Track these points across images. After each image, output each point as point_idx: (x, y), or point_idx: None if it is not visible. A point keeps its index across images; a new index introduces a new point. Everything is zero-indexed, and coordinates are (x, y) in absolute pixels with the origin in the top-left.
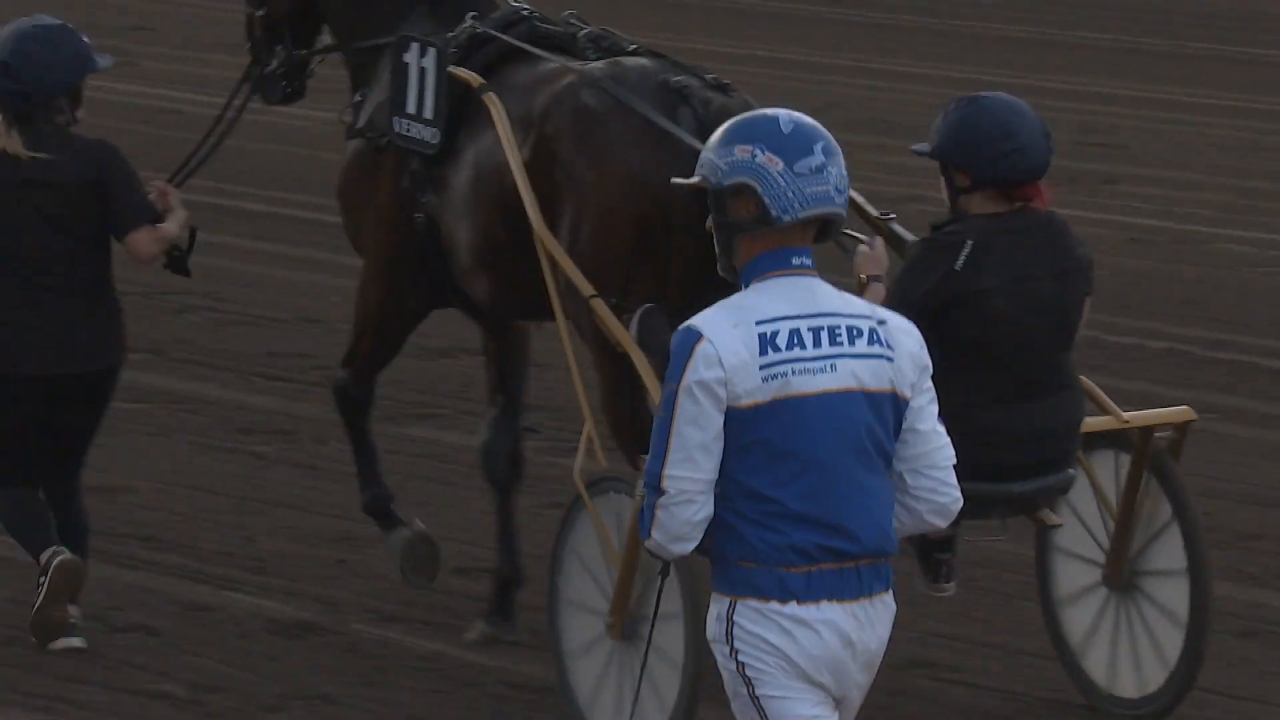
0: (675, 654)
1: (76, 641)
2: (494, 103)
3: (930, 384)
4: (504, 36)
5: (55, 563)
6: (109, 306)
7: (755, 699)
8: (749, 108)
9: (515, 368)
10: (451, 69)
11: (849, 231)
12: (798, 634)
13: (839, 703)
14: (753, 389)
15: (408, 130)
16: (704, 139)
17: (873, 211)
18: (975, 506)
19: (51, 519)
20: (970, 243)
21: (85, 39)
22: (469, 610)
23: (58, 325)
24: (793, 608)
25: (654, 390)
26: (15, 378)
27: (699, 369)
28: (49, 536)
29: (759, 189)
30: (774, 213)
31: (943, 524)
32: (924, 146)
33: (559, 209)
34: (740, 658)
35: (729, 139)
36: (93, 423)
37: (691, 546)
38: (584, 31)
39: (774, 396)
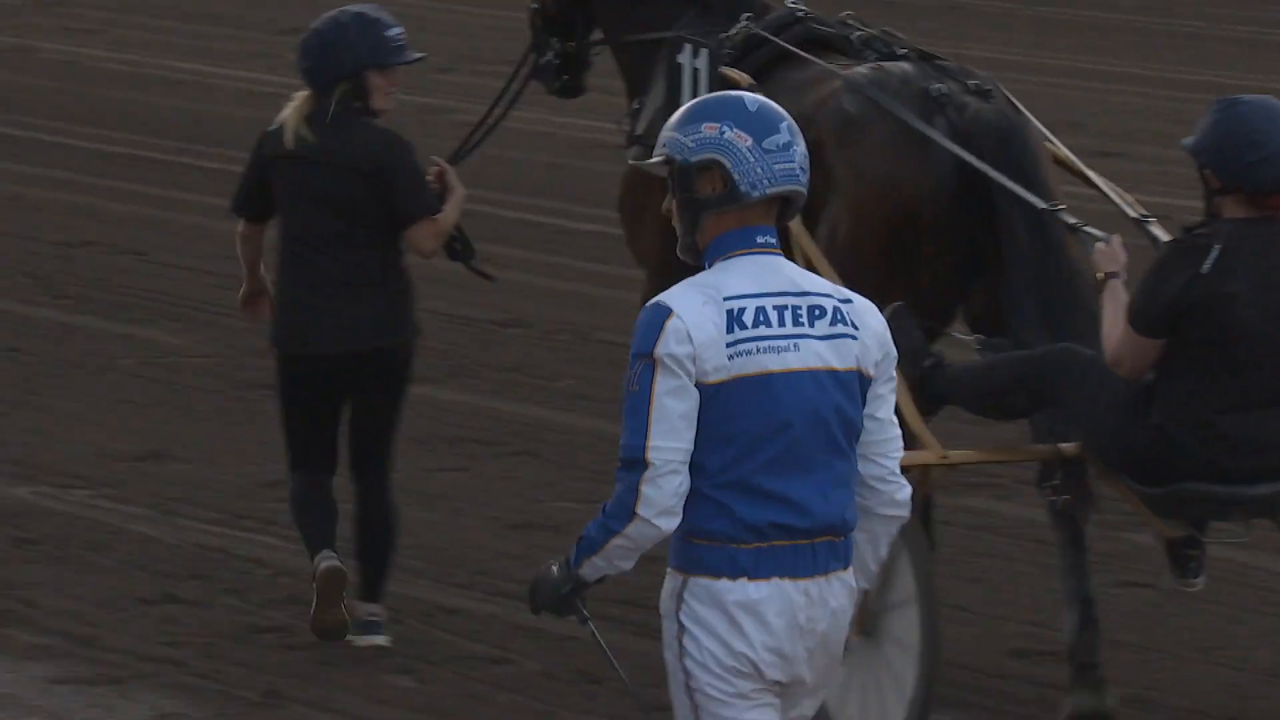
0: (910, 640)
1: (380, 639)
2: None
3: (894, 372)
4: (776, 39)
5: (319, 569)
6: (391, 289)
7: (690, 691)
8: (1004, 115)
9: None
10: (723, 70)
11: (1088, 229)
12: (745, 624)
13: (787, 686)
14: (719, 365)
15: None
16: (961, 145)
17: (1133, 213)
18: (1216, 509)
19: (333, 516)
20: (1218, 247)
21: (396, 31)
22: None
23: (334, 305)
24: (742, 584)
25: (900, 390)
26: (295, 357)
27: (669, 343)
28: (325, 536)
29: (728, 164)
30: (743, 188)
31: (897, 515)
32: (1189, 141)
33: (819, 212)
34: (685, 641)
35: (694, 117)
36: (387, 409)
37: (676, 522)
38: (857, 33)
39: (738, 374)
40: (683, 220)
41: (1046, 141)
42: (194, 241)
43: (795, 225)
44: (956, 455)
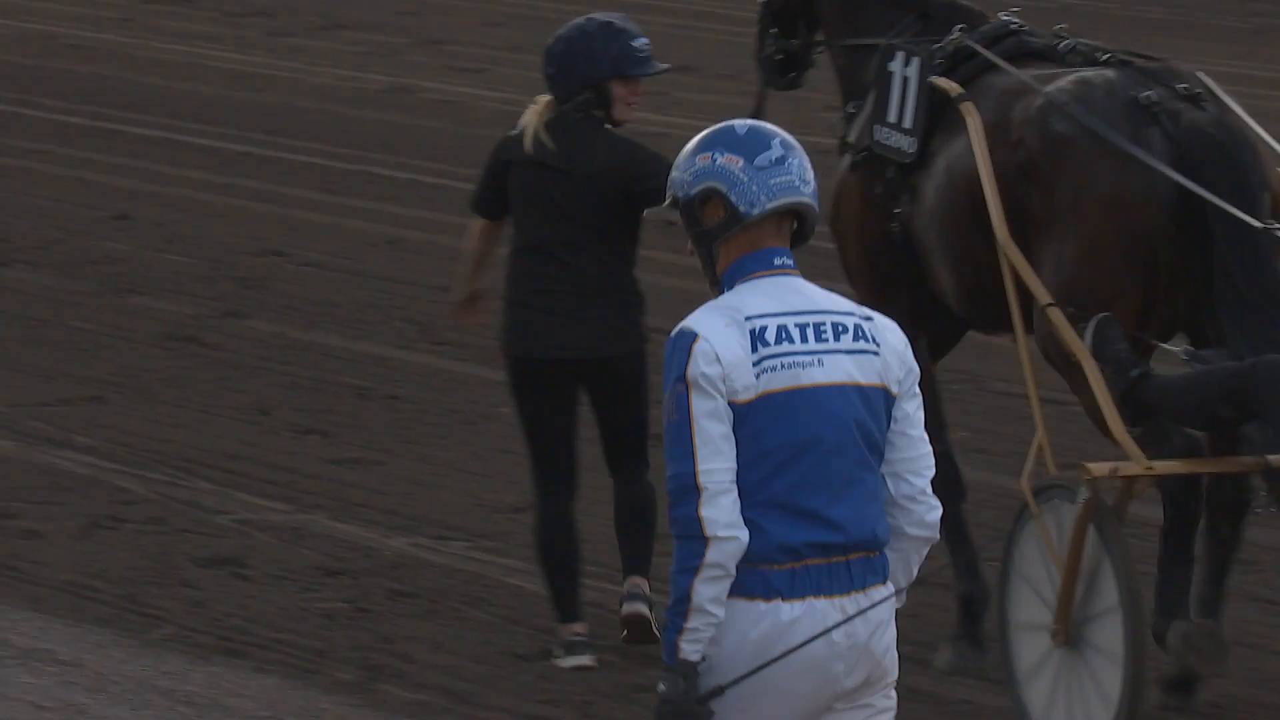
0: (1115, 649)
1: (586, 659)
2: (971, 113)
3: (919, 390)
4: (986, 52)
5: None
6: (621, 299)
7: (723, 687)
8: (1220, 123)
9: None
10: (933, 79)
11: None
12: (778, 658)
13: (821, 697)
14: (747, 384)
15: (887, 139)
16: (1176, 155)
17: None
18: None
19: (575, 560)
20: None
21: (641, 41)
22: None
23: (562, 312)
24: (777, 604)
25: (1104, 400)
26: (522, 360)
27: (700, 365)
28: (569, 599)
29: (724, 189)
30: (742, 209)
31: (926, 537)
32: None
33: (1041, 230)
34: (713, 650)
35: (690, 153)
36: (626, 415)
37: (747, 534)
38: (1065, 43)
39: (765, 391)
40: (700, 257)
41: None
42: None
43: (1000, 234)
44: (1161, 466)
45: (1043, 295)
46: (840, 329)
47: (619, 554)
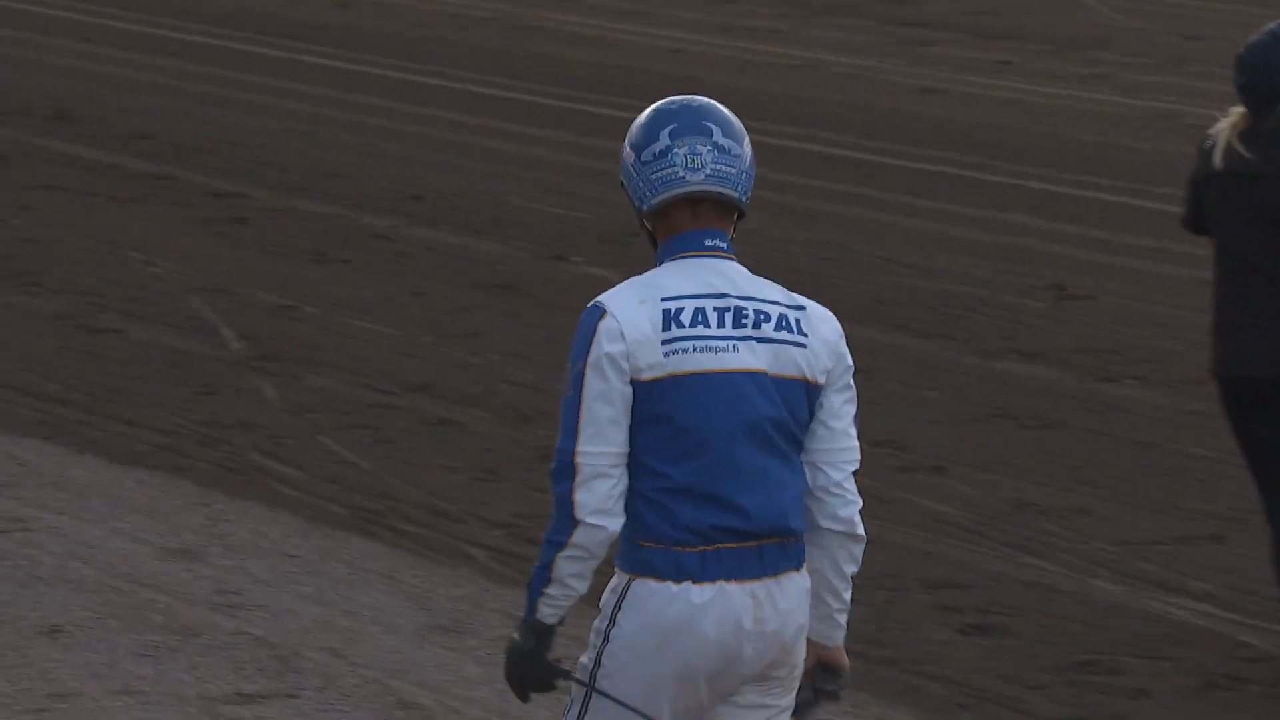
0: None
1: None
2: None
3: (851, 382)
4: None
5: None
6: None
7: (588, 686)
8: None
9: None
10: None
11: None
12: (673, 646)
13: (721, 680)
14: (653, 363)
15: None
16: None
17: None
18: None
19: None
20: None
21: None
22: None
23: (1268, 326)
24: (686, 588)
25: None
26: (1230, 380)
27: (603, 344)
28: None
29: (625, 182)
30: (636, 202)
31: (841, 531)
32: None
33: None
34: (612, 635)
35: None
36: None
37: (619, 523)
38: None
39: (673, 371)
40: (647, 237)
41: None
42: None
43: None
44: None
45: None
46: (763, 317)
47: None
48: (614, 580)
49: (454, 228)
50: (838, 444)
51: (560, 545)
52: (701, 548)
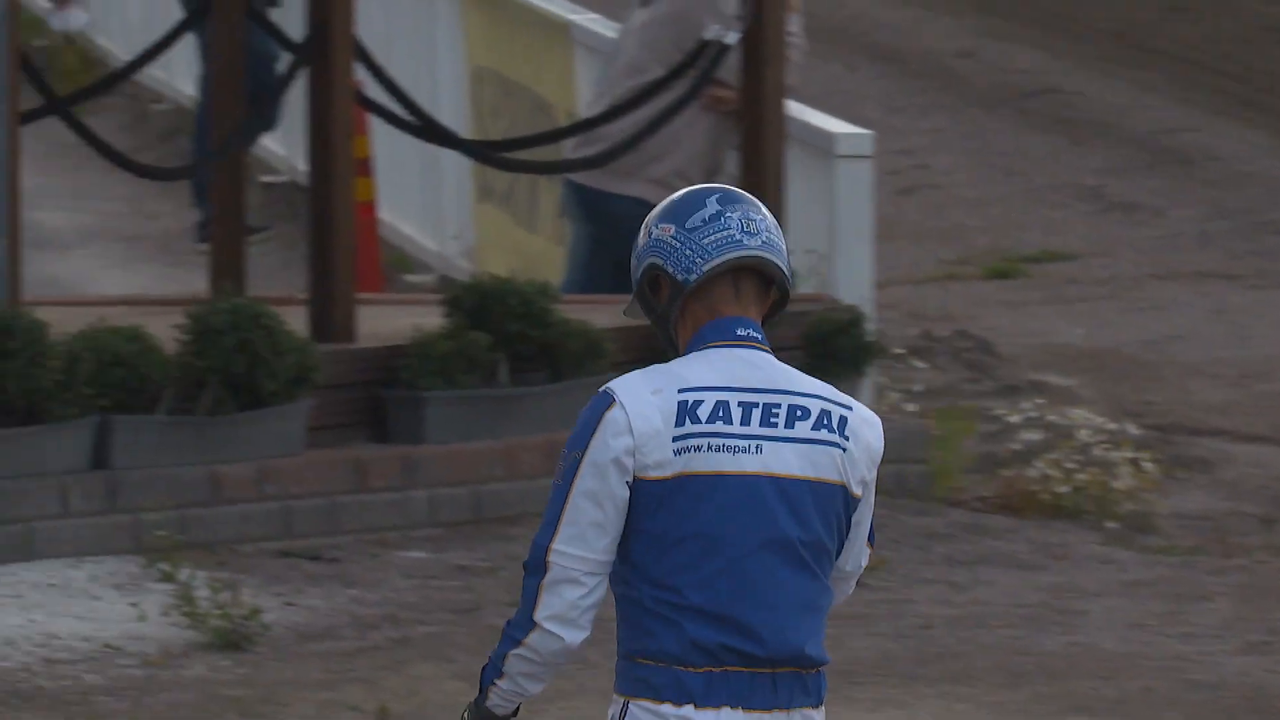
0: None
1: None
2: None
3: (874, 480)
4: None
5: None
6: None
7: None
8: None
9: None
10: None
11: None
12: None
13: None
14: (662, 460)
15: None
16: None
17: None
18: None
19: None
20: None
21: None
22: None
23: None
24: (688, 711)
25: None
26: None
27: (605, 438)
28: None
29: (661, 261)
30: (679, 276)
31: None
32: None
33: None
34: None
35: (637, 240)
36: None
37: (584, 636)
38: None
39: (685, 471)
40: (665, 344)
41: None
42: None
43: None
44: None
45: None
46: (799, 413)
47: None
48: (612, 709)
49: None
50: (857, 552)
51: (516, 642)
52: (708, 668)
